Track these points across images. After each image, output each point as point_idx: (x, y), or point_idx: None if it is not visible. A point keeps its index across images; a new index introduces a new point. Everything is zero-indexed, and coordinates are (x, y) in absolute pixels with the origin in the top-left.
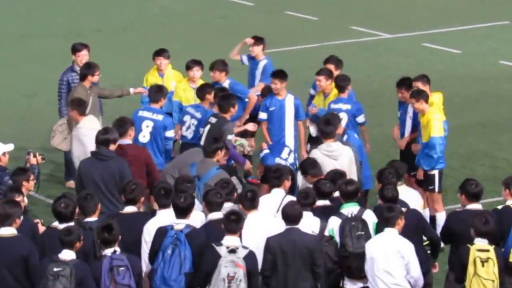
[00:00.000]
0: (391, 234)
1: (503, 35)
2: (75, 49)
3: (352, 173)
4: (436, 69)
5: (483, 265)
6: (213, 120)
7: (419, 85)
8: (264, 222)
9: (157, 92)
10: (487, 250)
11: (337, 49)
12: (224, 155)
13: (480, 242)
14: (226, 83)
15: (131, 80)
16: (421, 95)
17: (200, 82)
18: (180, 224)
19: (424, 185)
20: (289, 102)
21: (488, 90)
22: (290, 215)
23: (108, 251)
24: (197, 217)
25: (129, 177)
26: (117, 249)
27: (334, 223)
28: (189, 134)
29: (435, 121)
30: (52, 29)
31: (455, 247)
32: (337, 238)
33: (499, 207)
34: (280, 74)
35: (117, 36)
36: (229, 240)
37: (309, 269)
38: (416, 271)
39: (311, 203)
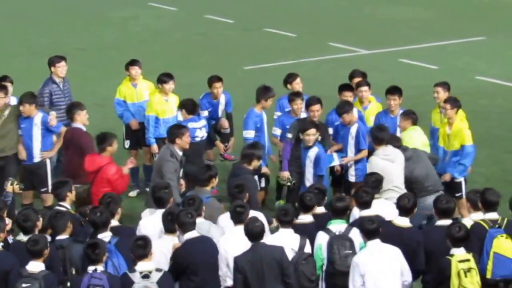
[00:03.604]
0: (378, 244)
1: (479, 51)
2: (53, 62)
3: (402, 176)
4: (413, 85)
5: (466, 276)
6: None
7: (440, 90)
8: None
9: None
10: (468, 260)
11: (315, 65)
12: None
13: (459, 252)
14: (38, 117)
15: (114, 98)
16: (457, 103)
17: (172, 95)
18: (105, 237)
19: (450, 192)
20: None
21: (464, 105)
22: (253, 232)
23: (90, 269)
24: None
25: None
26: (100, 267)
27: (322, 239)
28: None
29: (466, 130)
30: (36, 48)
31: (429, 262)
32: (324, 254)
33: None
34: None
35: (100, 55)
36: (142, 266)
37: (281, 280)
38: (410, 274)
39: (290, 221)
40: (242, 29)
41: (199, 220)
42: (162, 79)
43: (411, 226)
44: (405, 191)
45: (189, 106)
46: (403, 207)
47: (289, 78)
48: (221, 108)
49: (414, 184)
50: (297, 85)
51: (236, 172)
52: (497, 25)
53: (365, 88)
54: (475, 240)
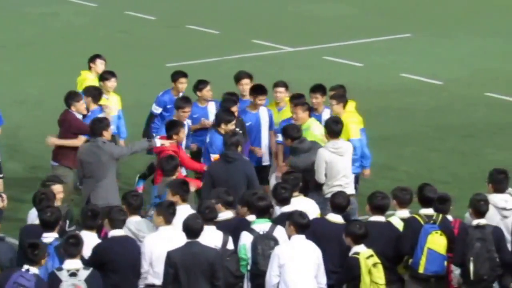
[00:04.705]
0: (302, 239)
1: (404, 48)
2: None
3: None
4: (338, 82)
5: (374, 271)
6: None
7: (282, 90)
8: (177, 237)
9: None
10: (372, 255)
11: (239, 63)
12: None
13: (361, 249)
14: None
15: (34, 96)
16: (342, 99)
17: (113, 94)
18: (48, 237)
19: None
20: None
21: (390, 103)
22: (192, 229)
23: (24, 267)
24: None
25: None
26: (33, 269)
27: (246, 239)
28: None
29: (352, 124)
30: None
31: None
32: (249, 254)
33: (393, 218)
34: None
35: (20, 52)
36: (69, 264)
37: (210, 281)
38: (324, 278)
39: (214, 218)
40: (164, 26)
41: (137, 219)
42: (104, 76)
43: (345, 222)
44: (351, 184)
45: (96, 94)
46: (338, 205)
47: (200, 85)
48: None
49: (312, 175)
50: (207, 92)
51: (233, 157)
52: (422, 22)
53: (281, 89)
54: (409, 234)
